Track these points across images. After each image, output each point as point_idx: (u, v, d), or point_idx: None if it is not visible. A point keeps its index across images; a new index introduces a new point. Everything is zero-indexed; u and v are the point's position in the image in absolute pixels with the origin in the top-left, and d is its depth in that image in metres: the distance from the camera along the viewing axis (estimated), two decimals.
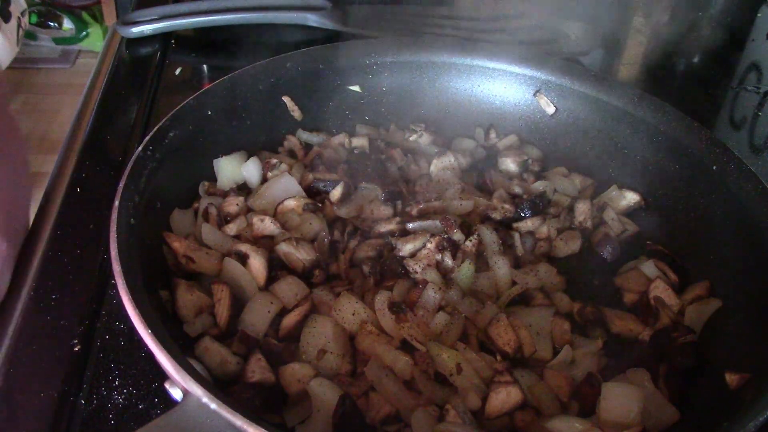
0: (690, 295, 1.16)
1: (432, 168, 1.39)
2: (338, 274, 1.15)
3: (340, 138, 1.44)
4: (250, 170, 1.29)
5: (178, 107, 1.20)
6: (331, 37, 1.74)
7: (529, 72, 1.46)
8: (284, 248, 1.13)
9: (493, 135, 1.49)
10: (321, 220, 1.20)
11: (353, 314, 1.05)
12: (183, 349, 0.93)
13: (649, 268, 1.21)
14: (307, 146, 1.42)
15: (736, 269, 1.13)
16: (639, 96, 1.35)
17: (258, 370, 0.96)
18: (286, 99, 1.40)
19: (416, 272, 1.13)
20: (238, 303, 1.05)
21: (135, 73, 1.70)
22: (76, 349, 1.03)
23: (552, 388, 1.01)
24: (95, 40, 4.57)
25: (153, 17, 1.79)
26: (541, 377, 1.03)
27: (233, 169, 1.29)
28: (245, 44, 1.80)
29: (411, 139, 1.47)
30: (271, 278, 1.10)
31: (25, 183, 1.22)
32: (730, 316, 1.10)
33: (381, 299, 1.06)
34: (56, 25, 4.47)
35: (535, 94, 1.46)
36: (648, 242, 1.29)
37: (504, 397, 0.96)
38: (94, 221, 1.23)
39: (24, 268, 1.14)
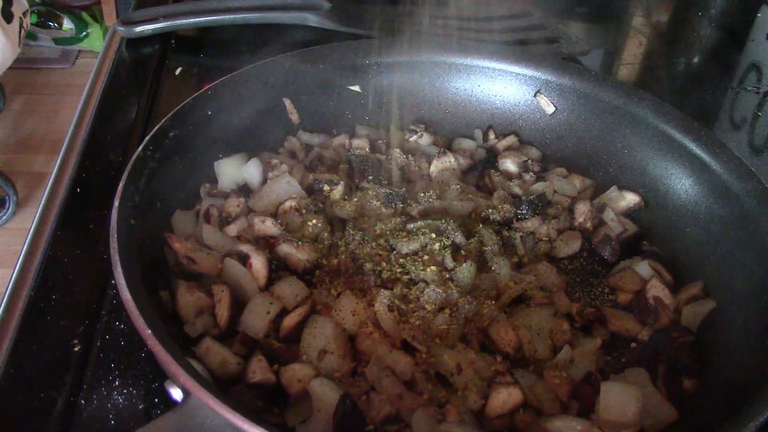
0: (685, 295, 1.17)
1: (432, 168, 1.39)
2: (339, 274, 1.15)
3: (341, 139, 1.44)
4: (250, 171, 1.30)
5: (178, 107, 1.20)
6: (331, 37, 1.74)
7: (529, 72, 1.46)
8: (285, 249, 1.13)
9: (492, 136, 1.49)
10: (321, 221, 1.20)
11: (353, 314, 1.05)
12: (183, 349, 0.94)
13: (643, 268, 1.22)
14: (308, 147, 1.43)
15: (735, 269, 1.13)
16: (639, 96, 1.35)
17: (259, 370, 0.96)
18: (285, 101, 1.40)
19: (417, 272, 1.13)
20: (239, 303, 1.05)
21: (135, 73, 1.70)
22: (76, 349, 1.03)
23: (552, 388, 1.01)
24: (95, 40, 4.57)
25: (153, 17, 1.78)
26: (541, 377, 1.03)
27: (234, 170, 1.30)
28: (245, 44, 1.80)
29: (411, 139, 1.47)
30: (272, 279, 1.10)
31: None
32: (729, 316, 1.10)
33: (381, 299, 1.06)
34: (56, 25, 4.47)
35: (535, 95, 1.46)
36: (644, 242, 1.29)
37: (504, 398, 0.96)
38: (94, 221, 1.23)
39: (25, 269, 1.14)
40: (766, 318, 1.02)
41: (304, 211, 1.21)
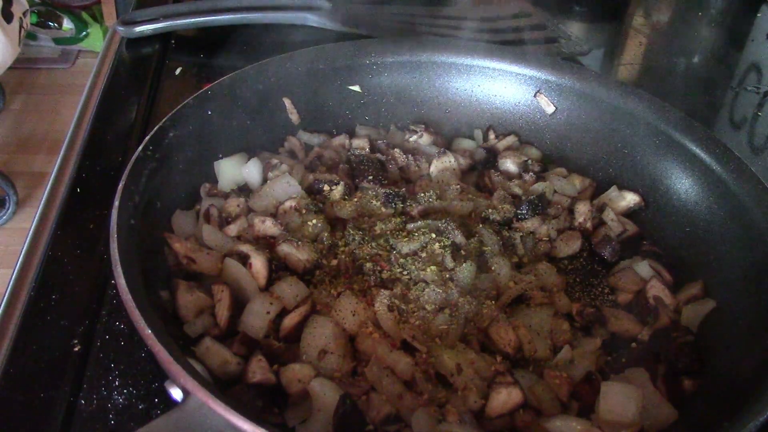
0: (685, 295, 1.17)
1: (432, 168, 1.39)
2: (339, 274, 1.15)
3: (341, 139, 1.44)
4: (250, 171, 1.30)
5: (178, 107, 1.20)
6: (331, 37, 1.74)
7: (529, 72, 1.46)
8: (285, 249, 1.13)
9: (492, 136, 1.49)
10: (321, 221, 1.20)
11: (353, 314, 1.05)
12: (183, 349, 0.94)
13: (643, 268, 1.22)
14: (308, 147, 1.43)
15: (735, 269, 1.13)
16: (639, 96, 1.35)
17: (259, 370, 0.96)
18: (286, 101, 1.40)
19: (417, 272, 1.13)
20: (239, 303, 1.05)
21: (135, 73, 1.70)
22: (76, 349, 1.03)
23: (552, 388, 1.01)
24: (95, 40, 4.57)
25: (153, 17, 1.79)
26: (541, 377, 1.03)
27: (234, 170, 1.29)
28: (245, 44, 1.80)
29: (411, 139, 1.47)
30: (272, 279, 1.10)
31: None
32: (729, 316, 1.10)
33: (381, 299, 1.06)
34: (56, 25, 4.47)
35: (535, 95, 1.46)
36: (644, 242, 1.29)
37: (504, 398, 0.96)
38: (94, 221, 1.23)
39: (25, 269, 1.14)
40: (766, 318, 1.02)
41: (304, 211, 1.21)
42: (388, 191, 1.27)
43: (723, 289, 1.14)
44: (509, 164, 1.42)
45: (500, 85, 1.49)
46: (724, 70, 2.00)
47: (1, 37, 2.98)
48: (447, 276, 1.13)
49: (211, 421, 0.79)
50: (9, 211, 3.47)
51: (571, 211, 1.34)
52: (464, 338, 1.07)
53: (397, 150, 1.40)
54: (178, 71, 1.72)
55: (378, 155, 1.38)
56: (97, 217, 1.23)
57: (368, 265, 1.14)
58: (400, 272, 1.13)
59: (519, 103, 1.48)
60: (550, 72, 1.44)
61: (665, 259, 1.24)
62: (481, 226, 1.25)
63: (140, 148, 1.09)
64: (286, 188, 1.25)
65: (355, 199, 1.27)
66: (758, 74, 1.92)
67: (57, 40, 4.58)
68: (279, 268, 1.13)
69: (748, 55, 2.05)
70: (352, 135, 1.47)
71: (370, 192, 1.28)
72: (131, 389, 0.98)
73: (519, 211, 1.29)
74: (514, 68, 1.46)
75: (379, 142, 1.44)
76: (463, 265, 1.14)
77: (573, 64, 1.49)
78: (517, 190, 1.36)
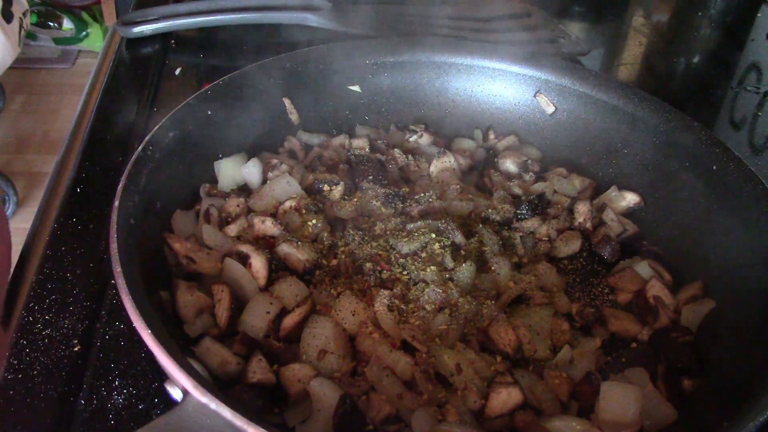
0: (685, 295, 1.17)
1: (432, 168, 1.39)
2: (339, 274, 1.15)
3: (341, 139, 1.44)
4: (250, 171, 1.30)
5: (178, 107, 1.20)
6: (331, 37, 1.74)
7: (529, 72, 1.46)
8: (285, 249, 1.13)
9: (491, 136, 1.49)
10: (321, 221, 1.20)
11: (353, 314, 1.05)
12: (183, 349, 0.94)
13: (643, 268, 1.22)
14: (308, 147, 1.43)
15: (735, 269, 1.13)
16: (639, 96, 1.36)
17: (259, 370, 0.96)
18: (285, 101, 1.40)
19: (416, 272, 1.13)
20: (239, 303, 1.05)
21: (135, 73, 1.70)
22: (76, 349, 1.03)
23: (552, 388, 1.01)
24: (95, 40, 4.57)
25: (153, 17, 1.79)
26: (541, 377, 1.03)
27: (234, 170, 1.29)
28: (245, 44, 1.80)
29: (411, 139, 1.47)
30: (272, 279, 1.10)
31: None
32: (729, 316, 1.10)
33: (381, 299, 1.06)
34: (56, 25, 4.47)
35: (535, 95, 1.46)
36: (644, 243, 1.29)
37: (504, 398, 0.96)
38: (94, 221, 1.23)
39: (25, 268, 1.14)
40: (765, 318, 1.02)
41: (304, 211, 1.21)
42: (388, 191, 1.27)
43: (723, 289, 1.14)
44: (509, 164, 1.43)
45: (500, 85, 1.49)
46: (724, 70, 2.00)
47: (1, 37, 2.98)
48: (447, 276, 1.13)
49: (211, 421, 0.79)
50: (9, 211, 3.47)
51: (571, 211, 1.34)
52: (464, 338, 1.07)
53: (397, 150, 1.40)
54: (178, 71, 1.72)
55: (378, 155, 1.38)
56: (97, 217, 1.23)
57: (368, 265, 1.14)
58: (400, 272, 1.13)
59: (519, 103, 1.49)
60: (550, 72, 1.44)
61: (665, 259, 1.24)
62: (481, 226, 1.25)
63: (140, 148, 1.09)
64: (286, 188, 1.25)
65: (355, 199, 1.27)
66: (758, 74, 1.92)
67: (57, 40, 4.58)
68: (279, 268, 1.13)
69: (748, 55, 2.05)
70: (352, 135, 1.47)
71: (370, 192, 1.28)
72: (131, 389, 0.98)
73: (519, 211, 1.29)
74: (514, 68, 1.46)
75: (379, 142, 1.44)
76: (463, 265, 1.14)
77: (573, 64, 1.49)
78: (517, 190, 1.36)
